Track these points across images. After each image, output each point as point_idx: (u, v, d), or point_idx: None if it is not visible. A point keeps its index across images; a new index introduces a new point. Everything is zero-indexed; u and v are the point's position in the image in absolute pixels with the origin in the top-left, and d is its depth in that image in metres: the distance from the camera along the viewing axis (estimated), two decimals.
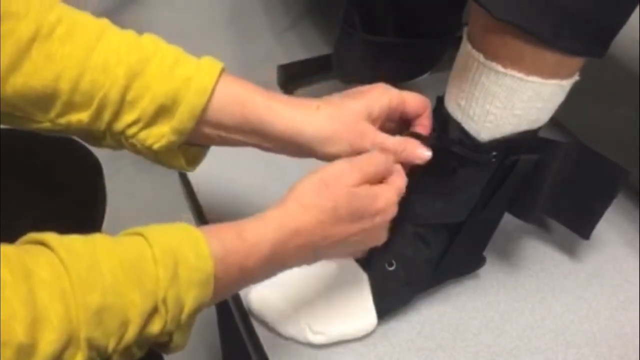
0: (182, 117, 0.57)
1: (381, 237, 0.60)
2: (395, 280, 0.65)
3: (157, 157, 0.60)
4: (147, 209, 1.35)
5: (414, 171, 0.61)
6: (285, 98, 0.60)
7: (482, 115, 0.58)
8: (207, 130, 0.59)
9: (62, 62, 0.54)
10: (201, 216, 0.79)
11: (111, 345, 0.43)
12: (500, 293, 0.71)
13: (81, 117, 0.56)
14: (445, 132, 0.61)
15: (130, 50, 0.56)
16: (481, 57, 0.55)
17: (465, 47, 0.58)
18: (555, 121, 0.61)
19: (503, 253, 0.74)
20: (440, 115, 0.62)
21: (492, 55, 0.55)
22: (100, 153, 0.88)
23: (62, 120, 0.57)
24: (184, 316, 0.47)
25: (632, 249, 0.76)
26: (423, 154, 0.60)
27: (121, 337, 0.43)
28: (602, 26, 0.52)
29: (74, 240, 0.44)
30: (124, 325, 0.43)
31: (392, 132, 0.62)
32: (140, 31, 0.60)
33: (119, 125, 0.57)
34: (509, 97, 0.56)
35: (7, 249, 0.41)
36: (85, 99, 0.55)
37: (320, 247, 0.55)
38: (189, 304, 0.47)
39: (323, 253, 0.57)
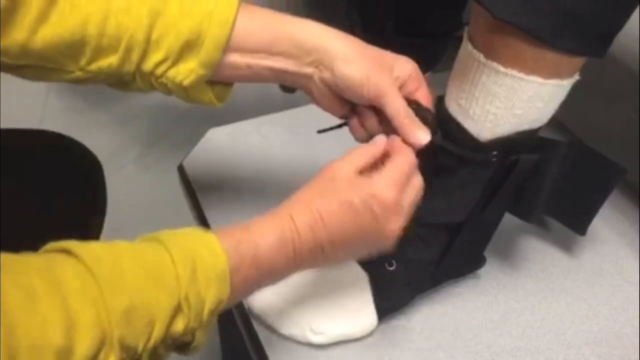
0: (208, 50, 0.58)
1: (390, 232, 0.56)
2: (395, 281, 0.65)
3: (188, 93, 0.61)
4: (147, 208, 1.35)
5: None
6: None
7: (482, 115, 0.58)
8: (236, 58, 0.60)
9: (87, 8, 0.55)
10: (201, 216, 0.78)
11: (141, 344, 0.45)
12: (500, 293, 0.71)
13: (111, 60, 0.57)
14: (446, 131, 0.61)
15: None
16: (481, 57, 0.55)
17: (466, 46, 0.58)
18: (555, 121, 0.61)
19: (503, 253, 0.74)
20: (441, 115, 0.62)
21: (492, 55, 0.55)
22: (100, 152, 0.88)
23: (93, 67, 0.58)
24: (205, 313, 0.48)
25: (632, 249, 0.76)
26: (422, 137, 0.58)
27: (149, 336, 0.45)
28: (603, 26, 0.52)
29: (96, 247, 0.46)
30: (151, 324, 0.45)
31: None
32: None
33: (148, 65, 0.58)
34: (509, 97, 0.56)
35: (35, 259, 0.43)
36: (112, 42, 0.57)
37: (329, 241, 0.54)
38: (209, 301, 0.48)
39: (332, 251, 0.55)
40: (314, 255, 0.54)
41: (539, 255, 0.75)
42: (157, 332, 0.46)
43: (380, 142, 0.58)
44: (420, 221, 0.64)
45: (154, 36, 0.57)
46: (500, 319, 0.69)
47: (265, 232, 0.52)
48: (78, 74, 0.58)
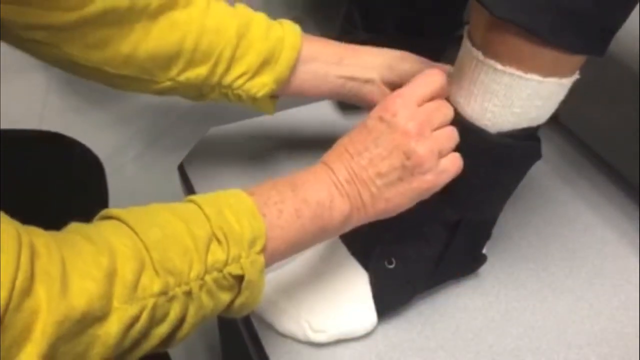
0: (281, 68, 0.68)
1: (406, 130, 0.57)
2: (395, 279, 0.65)
3: (256, 103, 0.71)
4: None
5: None
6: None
7: (481, 112, 0.58)
8: (316, 67, 0.71)
9: (185, 26, 0.65)
10: None
11: (185, 271, 0.47)
12: (501, 293, 0.71)
13: (200, 71, 0.67)
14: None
15: (233, 16, 0.68)
16: (480, 55, 0.55)
17: (465, 45, 0.58)
18: (555, 120, 0.61)
19: (504, 253, 0.74)
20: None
21: (491, 52, 0.55)
22: (101, 152, 0.88)
23: (182, 77, 0.67)
24: (245, 243, 0.50)
25: (633, 248, 0.76)
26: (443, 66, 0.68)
27: (190, 264, 0.48)
28: (602, 24, 0.52)
29: (120, 210, 0.50)
30: (188, 252, 0.48)
31: None
32: None
33: (229, 78, 0.68)
34: (508, 95, 0.56)
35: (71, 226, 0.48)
36: (203, 57, 0.66)
37: (357, 164, 0.57)
38: (246, 231, 0.50)
39: (366, 175, 0.57)
40: (351, 183, 0.56)
41: (540, 254, 0.75)
42: (197, 260, 0.48)
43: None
44: (421, 218, 0.64)
45: (238, 54, 0.67)
46: (501, 319, 0.69)
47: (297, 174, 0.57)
48: (167, 84, 0.67)
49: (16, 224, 0.42)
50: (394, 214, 0.59)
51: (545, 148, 0.62)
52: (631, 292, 0.71)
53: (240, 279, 0.51)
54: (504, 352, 0.65)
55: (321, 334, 0.64)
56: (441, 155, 0.58)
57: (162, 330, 0.47)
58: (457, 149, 0.60)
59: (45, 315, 0.39)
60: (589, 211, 0.81)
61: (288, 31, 0.69)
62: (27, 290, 0.39)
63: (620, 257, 0.75)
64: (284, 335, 0.65)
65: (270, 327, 0.66)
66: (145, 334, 0.46)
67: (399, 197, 0.57)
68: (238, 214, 0.50)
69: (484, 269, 0.71)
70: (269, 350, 0.65)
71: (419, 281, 0.67)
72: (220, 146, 0.88)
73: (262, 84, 0.69)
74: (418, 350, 0.65)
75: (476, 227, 0.66)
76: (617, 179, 0.84)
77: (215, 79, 0.68)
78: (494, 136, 0.59)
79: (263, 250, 0.51)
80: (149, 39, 0.64)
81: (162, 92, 0.69)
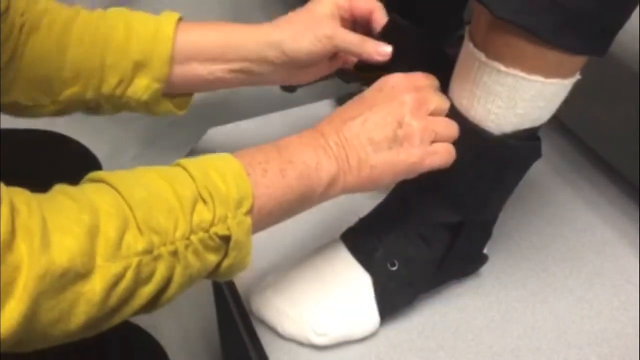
0: (156, 66, 0.66)
1: (401, 97, 0.58)
2: (397, 280, 0.65)
3: (149, 107, 0.70)
4: None
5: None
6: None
7: (484, 114, 0.58)
8: (195, 67, 0.68)
9: (48, 48, 0.64)
10: None
11: (170, 230, 0.47)
12: (502, 293, 0.71)
13: (73, 90, 0.65)
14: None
15: (98, 24, 0.66)
16: (483, 57, 0.55)
17: (467, 46, 0.57)
18: (555, 120, 0.61)
19: (504, 253, 0.74)
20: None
21: (493, 54, 0.55)
22: (100, 152, 0.88)
23: (62, 97, 0.66)
24: (231, 203, 0.50)
25: (633, 249, 0.76)
26: (383, 50, 0.66)
27: (175, 223, 0.47)
28: (604, 24, 0.52)
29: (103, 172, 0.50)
30: (173, 211, 0.47)
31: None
32: None
33: (107, 88, 0.66)
34: (511, 97, 0.56)
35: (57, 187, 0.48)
36: (72, 74, 0.65)
37: (345, 125, 0.57)
38: (232, 191, 0.50)
39: (352, 134, 0.57)
40: (340, 146, 0.57)
41: (540, 255, 0.75)
42: (183, 220, 0.47)
43: None
44: (422, 220, 0.64)
45: (108, 62, 0.66)
46: (501, 319, 0.68)
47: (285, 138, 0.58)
48: (51, 107, 0.66)
49: None
50: (376, 184, 0.59)
51: (545, 148, 0.62)
52: (631, 292, 0.71)
53: (227, 239, 0.50)
54: (504, 352, 0.65)
55: (324, 337, 0.64)
56: (436, 139, 0.58)
57: (148, 289, 0.47)
58: (461, 151, 0.60)
59: (26, 270, 0.40)
60: (589, 211, 0.80)
61: (163, 24, 0.67)
62: (9, 245, 0.39)
63: (620, 257, 0.75)
64: (286, 338, 0.65)
65: (272, 330, 0.66)
66: (131, 293, 0.46)
67: (384, 166, 0.57)
68: (224, 175, 0.50)
69: (484, 269, 0.71)
70: (269, 350, 0.65)
71: (421, 282, 0.67)
72: (220, 146, 0.88)
73: (144, 87, 0.67)
74: (418, 351, 0.65)
75: (478, 227, 0.66)
76: (617, 179, 0.84)
77: (91, 93, 0.67)
78: (497, 138, 0.58)
79: (250, 211, 0.51)
80: (22, 66, 0.63)
81: (54, 114, 0.68)
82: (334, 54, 0.71)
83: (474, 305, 0.70)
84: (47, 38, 0.64)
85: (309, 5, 0.69)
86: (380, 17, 0.68)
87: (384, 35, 0.68)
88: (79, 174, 0.80)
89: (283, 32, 0.67)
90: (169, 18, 0.68)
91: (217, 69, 0.69)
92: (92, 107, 0.69)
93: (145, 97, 0.68)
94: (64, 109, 0.68)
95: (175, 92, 0.70)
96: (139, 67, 0.66)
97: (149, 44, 0.66)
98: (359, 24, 0.70)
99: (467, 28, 0.58)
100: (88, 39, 0.65)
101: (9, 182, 0.43)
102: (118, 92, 0.67)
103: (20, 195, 0.43)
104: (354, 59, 0.74)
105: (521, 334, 0.67)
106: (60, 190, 0.46)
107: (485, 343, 0.66)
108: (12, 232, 0.40)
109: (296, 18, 0.68)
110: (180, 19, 0.68)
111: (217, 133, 0.90)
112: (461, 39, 0.59)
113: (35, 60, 0.64)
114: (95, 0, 0.84)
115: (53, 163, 0.77)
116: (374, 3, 0.69)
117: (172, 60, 0.67)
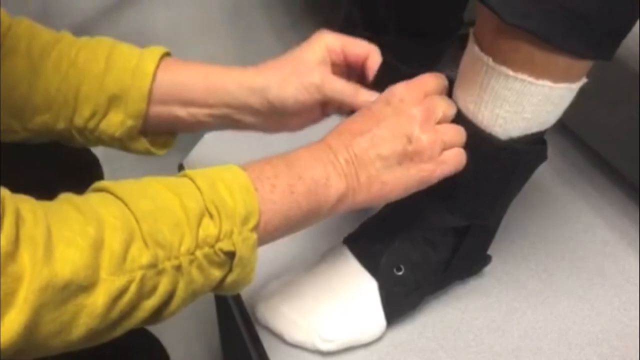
0: (132, 102, 0.63)
1: (410, 112, 0.57)
2: (404, 285, 0.65)
3: (123, 144, 0.66)
4: None
5: None
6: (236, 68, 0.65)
7: (492, 119, 0.57)
8: (176, 109, 0.64)
9: (23, 73, 0.61)
10: None
11: (175, 244, 0.46)
12: (502, 294, 0.71)
13: (44, 118, 0.62)
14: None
15: (79, 52, 0.63)
16: (490, 61, 0.54)
17: (473, 49, 0.56)
18: (557, 121, 0.61)
19: (505, 253, 0.74)
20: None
21: (501, 58, 0.54)
22: (100, 152, 0.87)
23: (32, 125, 0.63)
24: (237, 218, 0.49)
25: (633, 249, 0.76)
26: (370, 96, 0.62)
27: (181, 238, 0.47)
28: (612, 29, 0.52)
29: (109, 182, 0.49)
30: (179, 225, 0.47)
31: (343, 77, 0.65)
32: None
33: (79, 120, 0.63)
34: (519, 101, 0.55)
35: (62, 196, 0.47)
36: (44, 101, 0.62)
37: (355, 141, 0.56)
38: (239, 206, 0.49)
39: (361, 150, 0.56)
40: (350, 163, 0.56)
41: (541, 255, 0.75)
42: (188, 234, 0.47)
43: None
44: (428, 225, 0.64)
45: (82, 93, 0.62)
46: (502, 320, 0.68)
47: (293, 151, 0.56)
48: (23, 134, 0.63)
49: (2, 189, 0.42)
50: (386, 199, 0.58)
51: (547, 149, 0.62)
52: (632, 293, 0.71)
53: (232, 255, 0.50)
54: (505, 352, 0.65)
55: (331, 343, 0.64)
56: (445, 147, 0.58)
57: (151, 303, 0.46)
58: (468, 156, 0.59)
59: (28, 282, 0.39)
60: (590, 212, 0.80)
61: (145, 59, 0.63)
62: (11, 255, 0.39)
63: (621, 257, 0.75)
64: (292, 345, 0.65)
65: (277, 336, 0.66)
66: (133, 306, 0.46)
67: (395, 182, 0.57)
68: (232, 188, 0.49)
69: (485, 270, 0.71)
70: (269, 350, 0.65)
71: (427, 286, 0.67)
72: (221, 147, 0.88)
73: (118, 122, 0.63)
74: (419, 351, 0.65)
75: (483, 230, 0.66)
76: (619, 180, 0.84)
77: (63, 123, 0.63)
78: (505, 142, 0.58)
79: (256, 227, 0.51)
80: None
81: (27, 140, 0.65)
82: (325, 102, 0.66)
83: (474, 305, 0.70)
84: (23, 61, 0.61)
85: (298, 50, 0.64)
86: (375, 62, 0.64)
87: (378, 80, 0.64)
88: (79, 174, 0.80)
89: (268, 79, 0.63)
90: (152, 53, 0.64)
91: (197, 113, 0.65)
92: (66, 137, 0.65)
93: (118, 133, 0.64)
94: (35, 137, 0.65)
95: (154, 130, 0.66)
96: (114, 100, 0.63)
97: (127, 78, 0.63)
98: (353, 70, 0.66)
99: (470, 30, 0.58)
100: (65, 67, 0.62)
101: (9, 182, 0.43)
102: (91, 125, 0.64)
103: (26, 203, 0.42)
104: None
105: (522, 334, 0.67)
106: (67, 200, 0.46)
107: (485, 343, 0.66)
108: (16, 242, 0.40)
109: (283, 63, 0.64)
110: (166, 54, 0.65)
111: (217, 134, 0.90)
112: (461, 39, 0.59)
113: (10, 83, 0.61)
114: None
115: (53, 163, 0.77)
116: (368, 47, 0.65)
117: (150, 97, 0.63)
